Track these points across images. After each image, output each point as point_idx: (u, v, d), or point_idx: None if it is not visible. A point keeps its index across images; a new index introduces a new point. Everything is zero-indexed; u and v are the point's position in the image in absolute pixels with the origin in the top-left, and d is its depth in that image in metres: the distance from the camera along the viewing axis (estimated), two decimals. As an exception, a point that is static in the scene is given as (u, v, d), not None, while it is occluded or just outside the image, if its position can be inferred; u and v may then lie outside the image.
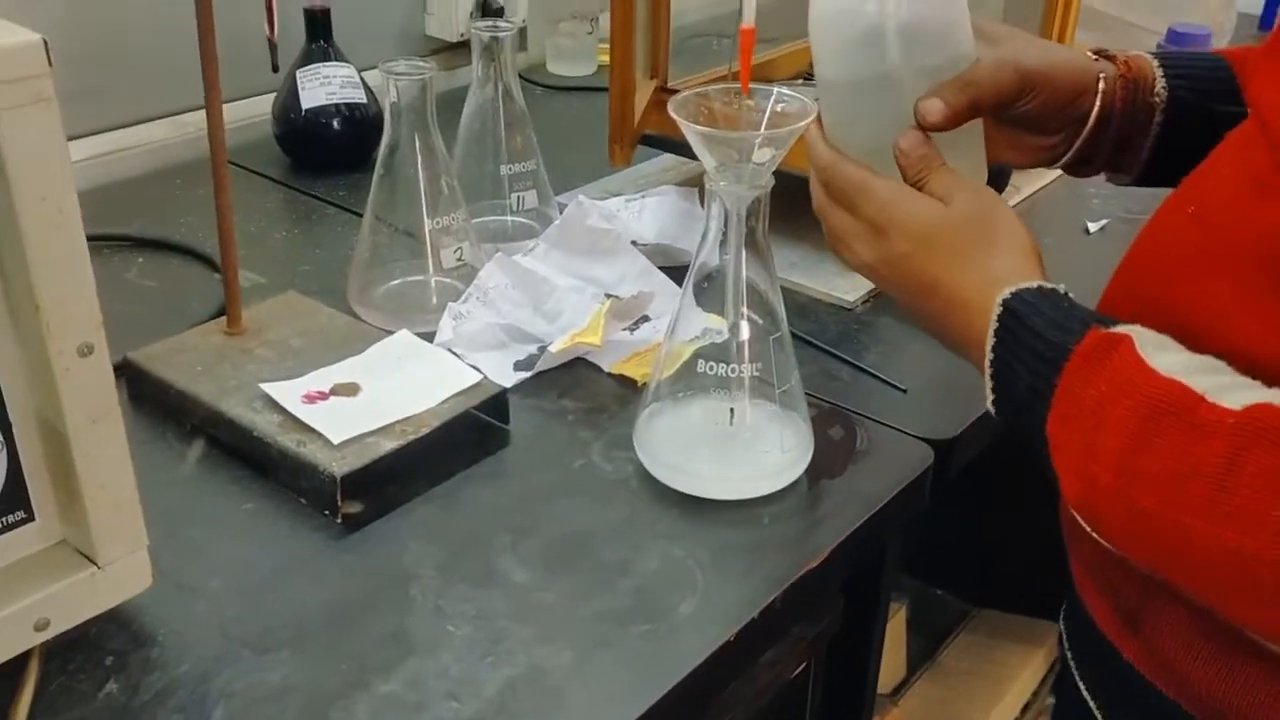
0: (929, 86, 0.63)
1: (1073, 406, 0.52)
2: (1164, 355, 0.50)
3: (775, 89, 0.67)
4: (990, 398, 0.58)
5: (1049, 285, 0.57)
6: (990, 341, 0.56)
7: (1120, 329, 0.52)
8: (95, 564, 0.58)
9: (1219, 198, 0.54)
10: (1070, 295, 0.56)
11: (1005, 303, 0.56)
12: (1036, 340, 0.54)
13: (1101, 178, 0.75)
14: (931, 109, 0.62)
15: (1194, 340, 0.52)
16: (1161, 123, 0.70)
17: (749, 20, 0.63)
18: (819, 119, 0.66)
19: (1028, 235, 0.60)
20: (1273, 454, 0.45)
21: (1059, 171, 0.74)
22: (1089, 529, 0.54)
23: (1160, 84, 0.69)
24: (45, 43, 0.49)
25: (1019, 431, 0.57)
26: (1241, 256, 0.51)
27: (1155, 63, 0.70)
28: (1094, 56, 0.70)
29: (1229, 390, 0.48)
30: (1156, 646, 0.57)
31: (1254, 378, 0.49)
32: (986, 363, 0.57)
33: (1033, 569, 0.67)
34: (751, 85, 0.66)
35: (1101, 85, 0.68)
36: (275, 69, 0.78)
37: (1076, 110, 0.69)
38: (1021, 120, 0.68)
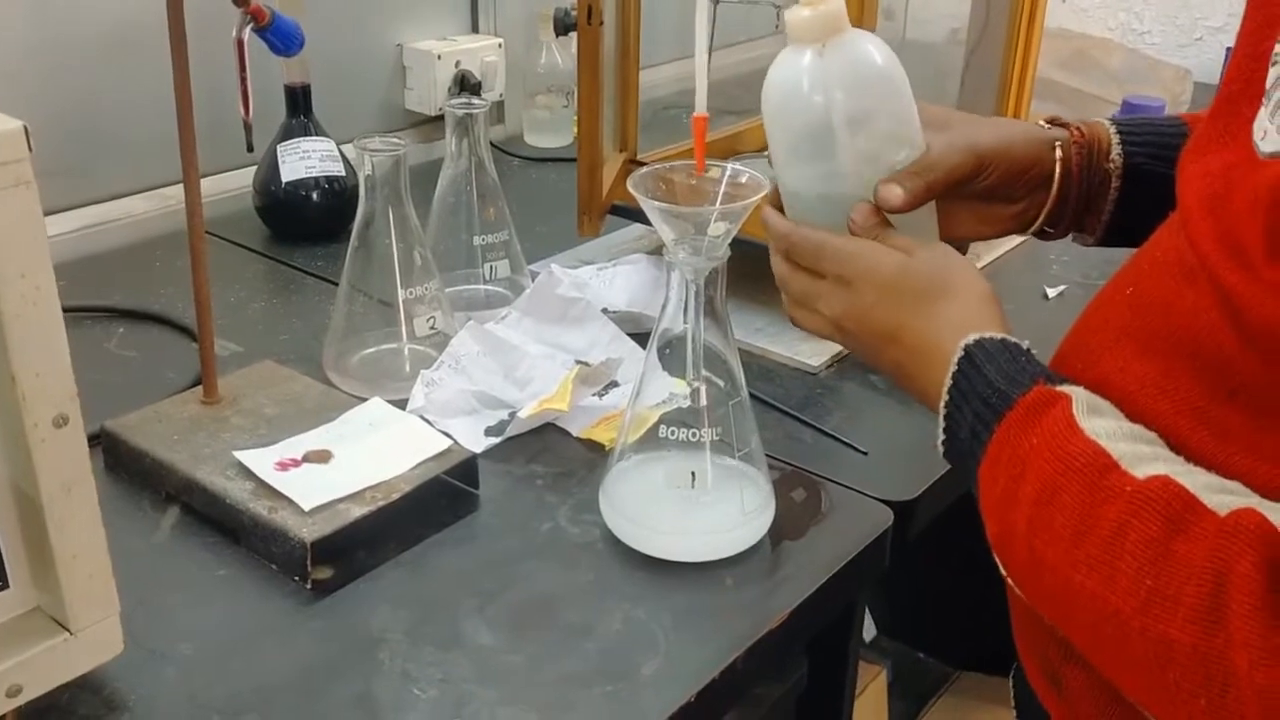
0: (877, 173, 0.65)
1: (1003, 453, 0.54)
2: (1096, 419, 0.52)
3: (730, 165, 0.70)
4: (941, 438, 0.60)
5: (1012, 339, 0.58)
6: (946, 384, 0.58)
7: (1064, 388, 0.54)
8: (68, 630, 0.59)
9: (1152, 281, 0.56)
10: (1032, 351, 0.58)
11: (967, 348, 0.58)
12: (987, 388, 0.56)
13: (1063, 243, 0.77)
14: (891, 195, 0.64)
15: None
16: (1120, 188, 0.71)
17: (700, 109, 0.67)
18: (773, 193, 0.68)
19: (985, 284, 0.63)
20: (1155, 524, 0.47)
21: (1018, 239, 0.76)
22: (1005, 574, 0.55)
23: (1116, 150, 0.71)
24: (25, 129, 0.51)
25: (962, 475, 0.58)
26: (1166, 340, 0.53)
27: (1112, 129, 0.71)
28: (1046, 125, 0.72)
29: (1145, 461, 0.49)
30: (1077, 708, 0.59)
31: None
32: (941, 405, 0.59)
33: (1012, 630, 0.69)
34: (708, 162, 0.69)
35: (1058, 151, 0.70)
36: (250, 149, 0.81)
37: (1036, 177, 0.70)
38: (984, 194, 0.70)
